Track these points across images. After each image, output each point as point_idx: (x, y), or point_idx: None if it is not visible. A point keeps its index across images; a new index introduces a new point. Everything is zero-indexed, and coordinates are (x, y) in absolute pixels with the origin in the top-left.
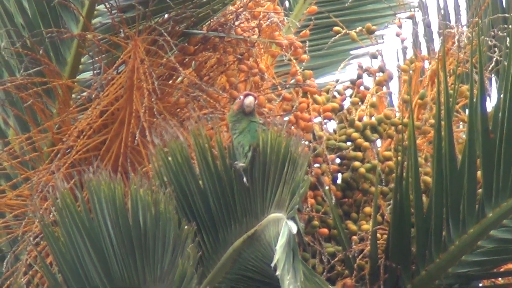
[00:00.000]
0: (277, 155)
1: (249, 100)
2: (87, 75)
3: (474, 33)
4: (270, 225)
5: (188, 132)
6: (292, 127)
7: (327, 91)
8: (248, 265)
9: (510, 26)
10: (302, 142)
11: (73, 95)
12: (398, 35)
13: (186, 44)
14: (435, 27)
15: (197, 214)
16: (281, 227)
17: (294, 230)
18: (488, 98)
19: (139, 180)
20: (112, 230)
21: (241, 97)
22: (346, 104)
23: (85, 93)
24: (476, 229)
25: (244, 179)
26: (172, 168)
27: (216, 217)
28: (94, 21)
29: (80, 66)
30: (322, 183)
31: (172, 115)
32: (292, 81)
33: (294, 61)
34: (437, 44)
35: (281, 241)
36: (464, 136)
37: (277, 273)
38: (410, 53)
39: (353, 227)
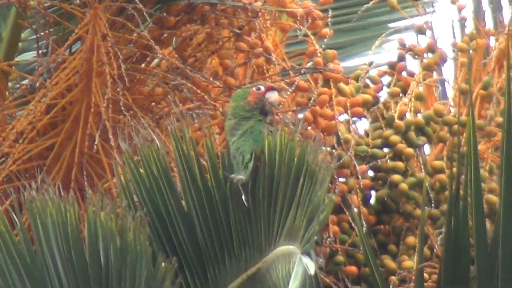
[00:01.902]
0: (288, 166)
1: (275, 96)
2: (29, 56)
3: None
4: (278, 262)
5: (167, 134)
6: (309, 128)
7: (357, 78)
8: None
9: None
10: (323, 147)
11: (10, 84)
12: (454, 2)
13: (164, 14)
14: None
15: (179, 246)
16: (294, 266)
17: (312, 270)
18: None
19: (99, 200)
20: (62, 268)
21: (260, 87)
22: (383, 96)
23: (26, 81)
24: None
25: (243, 198)
26: (145, 184)
27: (204, 250)
28: None
29: (20, 44)
30: (350, 204)
31: (145, 110)
32: (309, 64)
33: (312, 37)
34: (507, 14)
35: (294, 285)
36: None
37: None
38: (470, 27)
39: (391, 264)
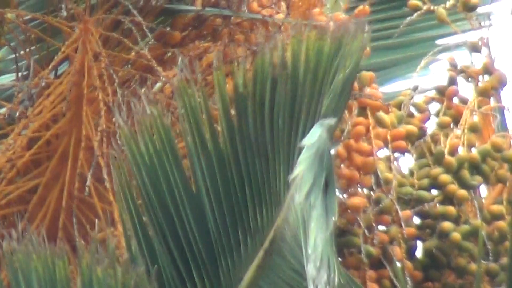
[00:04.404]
0: (315, 71)
1: None
2: (6, 79)
3: None
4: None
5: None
6: (342, 165)
7: (399, 106)
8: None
9: None
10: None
11: None
12: None
13: (168, 28)
14: None
15: (185, 239)
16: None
17: (331, 122)
18: None
19: (94, 251)
20: None
21: None
22: (430, 127)
23: (3, 110)
24: None
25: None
26: (145, 162)
27: (216, 240)
28: None
29: None
30: (391, 258)
31: None
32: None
33: None
34: None
35: (309, 141)
36: None
37: (297, 199)
38: None
39: None
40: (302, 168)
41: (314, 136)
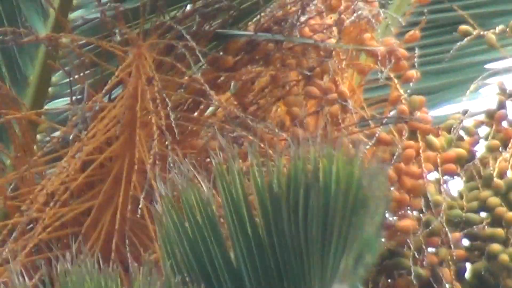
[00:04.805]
0: (345, 195)
1: None
2: (61, 103)
3: None
4: None
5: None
6: (392, 188)
7: (449, 130)
8: None
9: None
10: (384, 172)
11: (38, 136)
12: None
13: (221, 53)
14: None
15: None
16: None
17: None
18: None
19: (147, 274)
20: None
21: None
22: (480, 150)
23: (57, 133)
24: None
25: None
26: (188, 234)
27: None
28: (72, 15)
29: (50, 89)
30: (441, 279)
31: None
32: (393, 112)
33: (396, 80)
34: None
35: None
36: None
37: None
38: None
39: None
40: None
41: None
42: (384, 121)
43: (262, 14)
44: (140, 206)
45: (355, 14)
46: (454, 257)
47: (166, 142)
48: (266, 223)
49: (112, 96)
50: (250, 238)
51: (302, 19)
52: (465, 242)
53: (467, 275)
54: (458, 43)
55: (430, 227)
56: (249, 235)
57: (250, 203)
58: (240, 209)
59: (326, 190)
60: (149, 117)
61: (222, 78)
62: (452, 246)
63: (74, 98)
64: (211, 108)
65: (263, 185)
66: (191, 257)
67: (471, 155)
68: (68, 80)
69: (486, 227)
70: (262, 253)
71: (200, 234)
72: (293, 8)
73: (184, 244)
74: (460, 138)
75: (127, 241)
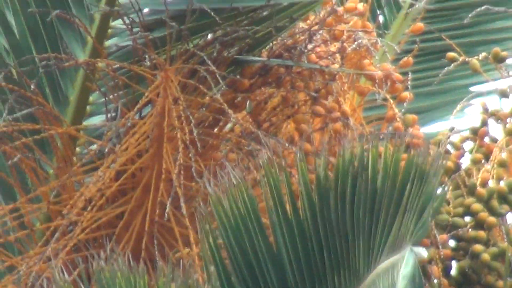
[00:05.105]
0: (393, 179)
1: None
2: (97, 120)
3: None
4: (379, 280)
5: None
6: None
7: (438, 144)
8: None
9: None
10: (431, 150)
11: (78, 149)
12: None
13: (238, 76)
14: None
15: None
16: (397, 276)
17: (425, 254)
18: None
19: (170, 271)
20: None
21: None
22: (465, 162)
23: (94, 146)
24: None
25: None
26: (231, 225)
27: None
28: (107, 43)
29: (88, 108)
30: (430, 275)
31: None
32: (389, 129)
33: (392, 101)
34: None
35: (405, 270)
36: None
37: None
38: None
39: None
40: (404, 284)
41: (410, 265)
42: (381, 137)
43: (274, 42)
44: (166, 211)
45: (356, 43)
46: (442, 256)
47: (190, 155)
48: (311, 212)
49: (143, 114)
50: (293, 226)
51: (310, 46)
52: (452, 243)
53: (453, 272)
54: (446, 68)
55: None
56: (292, 223)
57: (293, 195)
58: (283, 200)
59: (374, 177)
60: (175, 132)
61: (239, 99)
62: (440, 246)
63: (109, 115)
64: (229, 125)
65: (308, 179)
66: (234, 246)
67: (457, 167)
68: (103, 99)
69: (470, 230)
70: (305, 239)
71: (244, 224)
72: (302, 37)
73: (228, 235)
74: (448, 152)
75: (155, 241)
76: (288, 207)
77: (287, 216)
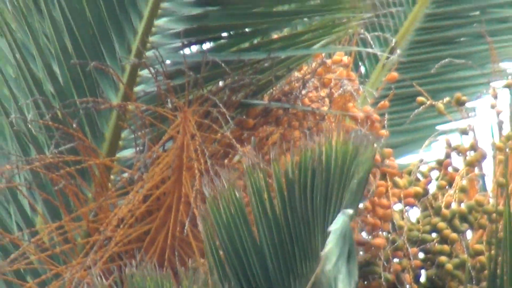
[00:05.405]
0: (341, 167)
1: None
2: (128, 152)
3: None
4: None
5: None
6: (368, 215)
7: (409, 173)
8: None
9: None
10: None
11: (112, 177)
12: (493, 107)
13: (244, 116)
14: None
15: (253, 280)
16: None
17: (351, 212)
18: None
19: (192, 275)
20: None
21: None
22: (432, 188)
23: (126, 174)
24: None
25: None
26: (224, 224)
27: (274, 280)
28: (136, 89)
29: (120, 142)
30: (402, 282)
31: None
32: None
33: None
34: None
35: (335, 226)
36: None
37: (327, 267)
38: (507, 129)
39: None
40: (331, 245)
41: (339, 222)
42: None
43: (274, 88)
44: (186, 228)
45: (341, 89)
46: (413, 266)
47: (205, 181)
48: (282, 204)
49: (166, 148)
50: (270, 220)
51: (303, 92)
52: (421, 255)
53: (422, 279)
54: (416, 110)
55: (395, 244)
56: (270, 217)
57: (270, 193)
58: (263, 198)
59: (328, 168)
60: (192, 163)
61: (245, 135)
62: (411, 258)
63: (137, 149)
64: (237, 157)
65: (281, 174)
66: (226, 241)
67: (426, 192)
68: (133, 135)
69: (436, 244)
70: (279, 230)
71: (234, 222)
72: (296, 84)
73: (222, 232)
74: (418, 180)
75: (176, 253)
76: (267, 205)
77: (267, 212)
